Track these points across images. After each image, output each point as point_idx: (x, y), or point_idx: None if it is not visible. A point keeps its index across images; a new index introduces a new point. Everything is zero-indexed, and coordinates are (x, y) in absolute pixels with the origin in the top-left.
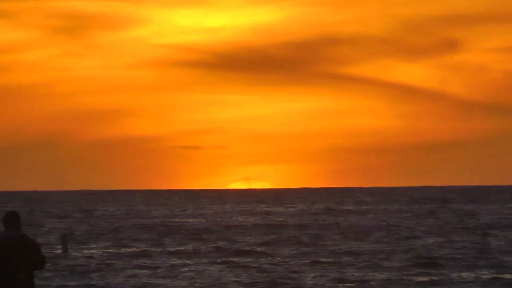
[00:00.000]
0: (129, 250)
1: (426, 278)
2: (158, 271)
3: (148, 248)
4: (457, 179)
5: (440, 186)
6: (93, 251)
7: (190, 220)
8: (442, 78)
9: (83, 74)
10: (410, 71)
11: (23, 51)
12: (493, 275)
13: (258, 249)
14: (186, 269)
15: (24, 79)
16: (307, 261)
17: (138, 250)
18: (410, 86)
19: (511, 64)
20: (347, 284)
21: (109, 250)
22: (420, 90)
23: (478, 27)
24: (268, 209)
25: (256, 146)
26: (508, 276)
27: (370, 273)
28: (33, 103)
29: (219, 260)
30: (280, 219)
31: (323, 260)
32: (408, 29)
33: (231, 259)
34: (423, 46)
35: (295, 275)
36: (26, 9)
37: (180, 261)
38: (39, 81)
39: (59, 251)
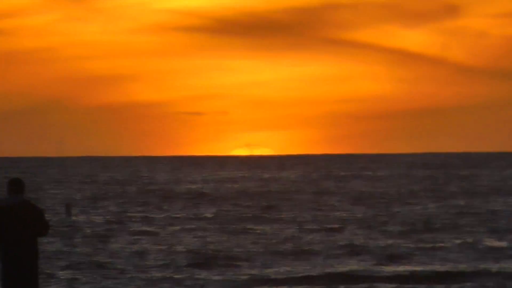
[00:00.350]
0: (131, 215)
1: (423, 244)
2: (159, 236)
3: (149, 214)
4: (458, 145)
5: (442, 152)
6: (96, 217)
7: (192, 186)
8: (442, 44)
9: (86, 39)
10: (411, 37)
11: (26, 16)
12: (493, 242)
13: (258, 214)
14: (186, 234)
15: (27, 44)
16: (307, 227)
17: (140, 215)
18: (410, 51)
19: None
20: (346, 249)
21: (111, 216)
22: (421, 56)
23: None
24: (270, 175)
25: (258, 111)
26: (505, 242)
27: (368, 239)
28: (36, 68)
29: (218, 226)
30: (281, 185)
31: (323, 226)
32: None
33: (231, 225)
34: (423, 11)
35: (295, 240)
36: None
37: (180, 227)
38: (42, 46)
39: (63, 216)
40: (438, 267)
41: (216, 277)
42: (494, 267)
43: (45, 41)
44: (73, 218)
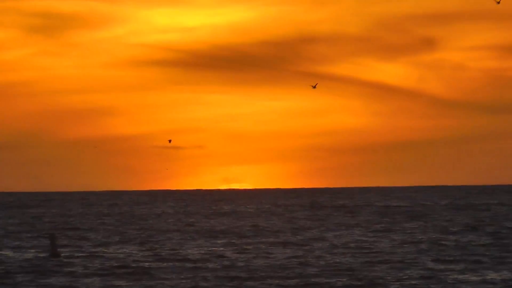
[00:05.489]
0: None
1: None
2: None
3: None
4: (435, 178)
5: (418, 186)
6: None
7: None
8: (419, 77)
9: (61, 74)
10: (387, 70)
11: (1, 50)
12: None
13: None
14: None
15: (2, 79)
16: None
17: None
18: (387, 84)
19: (488, 62)
20: None
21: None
22: (397, 89)
23: (454, 26)
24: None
25: (235, 145)
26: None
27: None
28: (11, 103)
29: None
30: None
31: None
32: (385, 28)
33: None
34: (399, 44)
35: None
36: (3, 9)
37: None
38: (16, 81)
39: (47, 253)
40: None
41: None
42: None
43: (20, 75)
44: (61, 256)
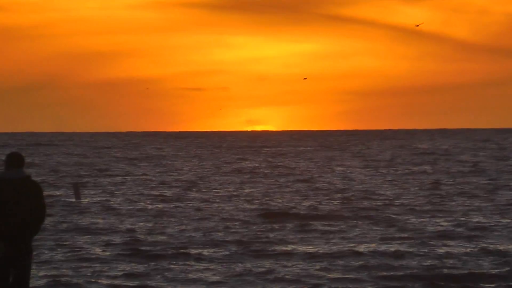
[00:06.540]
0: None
1: None
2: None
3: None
4: (459, 121)
5: (443, 129)
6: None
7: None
8: (443, 20)
9: (84, 15)
10: (412, 13)
11: None
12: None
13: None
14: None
15: (25, 20)
16: None
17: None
18: (411, 28)
19: None
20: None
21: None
22: (422, 32)
23: None
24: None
25: (259, 87)
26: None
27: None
28: (34, 44)
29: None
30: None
31: None
32: None
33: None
34: None
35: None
36: None
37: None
38: (40, 22)
39: (72, 199)
40: None
41: None
42: None
43: (43, 17)
44: (84, 200)
